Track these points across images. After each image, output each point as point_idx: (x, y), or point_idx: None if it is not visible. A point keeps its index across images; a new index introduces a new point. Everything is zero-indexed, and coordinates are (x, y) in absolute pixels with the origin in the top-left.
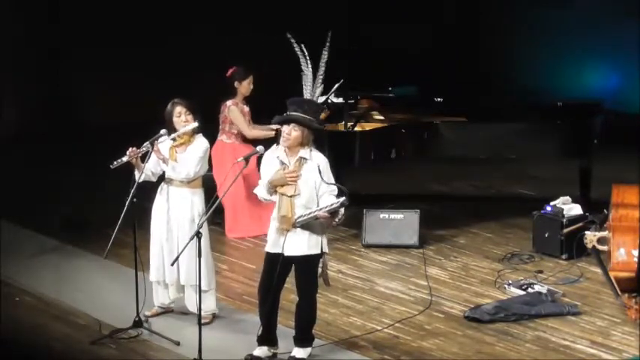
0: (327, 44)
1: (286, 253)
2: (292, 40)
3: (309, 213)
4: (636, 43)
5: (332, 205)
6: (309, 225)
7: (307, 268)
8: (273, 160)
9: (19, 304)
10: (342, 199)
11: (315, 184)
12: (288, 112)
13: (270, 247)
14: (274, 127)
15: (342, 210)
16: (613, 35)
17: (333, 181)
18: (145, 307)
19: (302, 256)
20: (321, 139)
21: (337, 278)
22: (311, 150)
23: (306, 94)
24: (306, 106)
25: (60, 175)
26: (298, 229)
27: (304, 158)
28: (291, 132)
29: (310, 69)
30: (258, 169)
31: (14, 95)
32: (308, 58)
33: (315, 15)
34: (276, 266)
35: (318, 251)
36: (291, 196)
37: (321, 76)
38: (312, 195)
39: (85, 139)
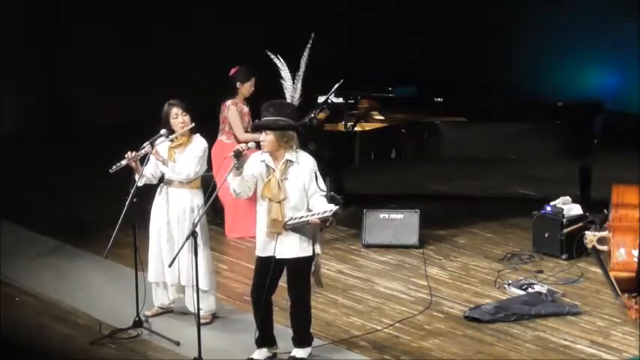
0: (309, 45)
1: (278, 256)
2: (271, 55)
3: (301, 217)
4: (636, 43)
5: (324, 213)
6: (300, 228)
7: (300, 269)
8: (257, 164)
9: (19, 304)
10: (336, 208)
11: (304, 186)
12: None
13: (261, 252)
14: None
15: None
16: (613, 35)
17: (324, 185)
18: (145, 307)
19: (294, 258)
20: (319, 139)
21: (337, 278)
22: (297, 152)
23: (288, 98)
24: (272, 108)
25: (60, 175)
26: (289, 231)
27: (290, 161)
28: (265, 137)
29: (289, 73)
30: None
31: (14, 95)
32: (285, 65)
33: (315, 14)
34: (268, 269)
35: (310, 253)
36: (279, 202)
37: (301, 76)
38: (302, 197)
39: (84, 139)
